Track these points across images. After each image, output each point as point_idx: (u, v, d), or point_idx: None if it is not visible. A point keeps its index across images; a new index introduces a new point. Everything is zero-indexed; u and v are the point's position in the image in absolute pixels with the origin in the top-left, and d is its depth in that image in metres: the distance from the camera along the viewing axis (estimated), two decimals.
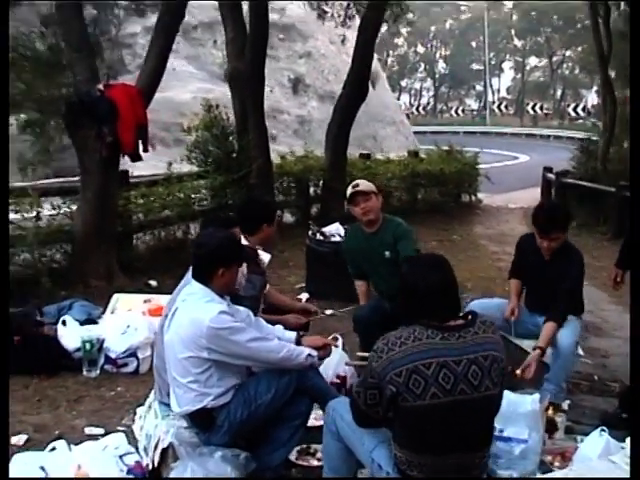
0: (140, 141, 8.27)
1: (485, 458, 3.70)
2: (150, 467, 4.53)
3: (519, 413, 4.56)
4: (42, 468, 4.48)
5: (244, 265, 5.17)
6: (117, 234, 9.04)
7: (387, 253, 6.03)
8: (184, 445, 4.36)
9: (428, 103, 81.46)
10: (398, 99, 68.08)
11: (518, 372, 5.30)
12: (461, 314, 3.68)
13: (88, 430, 5.37)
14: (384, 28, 61.53)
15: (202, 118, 11.46)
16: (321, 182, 12.74)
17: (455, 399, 3.44)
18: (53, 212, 8.74)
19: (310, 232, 8.99)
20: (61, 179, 12.32)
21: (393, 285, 3.98)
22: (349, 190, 6.06)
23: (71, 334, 6.62)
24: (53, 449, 4.67)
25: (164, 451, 4.48)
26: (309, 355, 4.39)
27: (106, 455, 4.56)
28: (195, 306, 4.24)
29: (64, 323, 6.73)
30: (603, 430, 4.50)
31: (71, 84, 8.10)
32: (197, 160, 11.26)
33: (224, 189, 10.63)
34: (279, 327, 4.72)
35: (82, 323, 6.92)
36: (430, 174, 15.03)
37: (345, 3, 13.53)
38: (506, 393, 4.64)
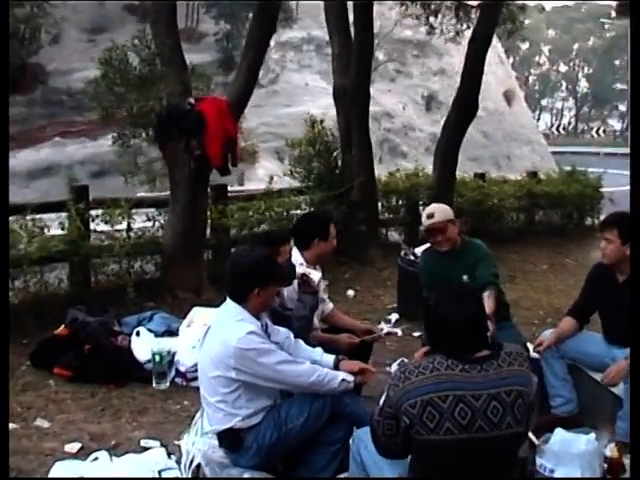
0: (229, 155, 8.25)
1: None
2: None
3: (572, 453, 4.27)
4: (81, 478, 4.49)
5: (295, 284, 5.08)
6: (209, 247, 9.07)
7: (465, 277, 5.80)
8: (212, 465, 4.28)
9: (569, 123, 79.51)
10: (539, 118, 66.84)
11: (602, 377, 5.11)
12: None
13: (144, 442, 5.32)
14: (525, 46, 60.47)
15: (306, 133, 11.42)
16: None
17: (471, 436, 3.21)
18: (148, 224, 8.83)
19: (402, 252, 8.80)
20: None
21: None
22: (424, 219, 5.91)
23: (144, 346, 6.64)
24: (95, 459, 4.68)
25: (197, 469, 4.42)
26: (343, 380, 4.24)
27: (144, 469, 4.53)
28: (226, 325, 4.17)
29: (138, 334, 6.77)
30: None
31: (162, 97, 8.18)
32: (300, 175, 11.21)
33: (324, 205, 10.53)
34: (319, 350, 4.57)
35: (161, 335, 6.95)
36: (548, 195, 14.51)
37: (455, 19, 13.23)
38: (559, 431, 4.39)
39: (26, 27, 26.12)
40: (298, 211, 10.44)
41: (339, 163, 11.16)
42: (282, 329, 4.51)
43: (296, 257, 5.30)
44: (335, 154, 11.17)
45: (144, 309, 7.74)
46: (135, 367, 6.57)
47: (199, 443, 4.39)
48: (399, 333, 7.98)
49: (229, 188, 10.37)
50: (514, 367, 3.35)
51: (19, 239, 7.45)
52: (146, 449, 5.12)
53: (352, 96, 11.14)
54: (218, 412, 4.18)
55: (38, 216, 7.96)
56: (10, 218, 7.52)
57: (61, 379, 6.44)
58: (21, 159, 23.80)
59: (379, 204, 12.06)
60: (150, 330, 6.98)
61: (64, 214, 8.19)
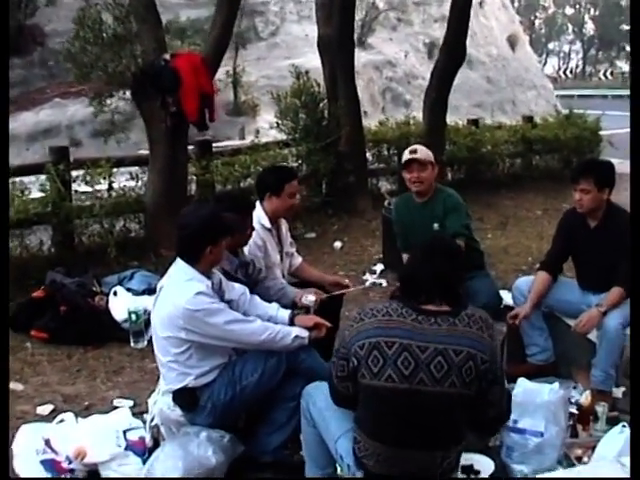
0: (207, 110, 8.17)
1: (450, 459, 3.36)
2: (150, 444, 4.47)
3: (535, 404, 4.23)
4: (46, 440, 4.49)
5: (258, 240, 5.07)
6: (190, 203, 9.02)
7: (436, 225, 5.78)
8: (168, 424, 4.28)
9: (577, 66, 78.32)
10: (545, 63, 66.01)
11: (573, 326, 5.06)
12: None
13: (117, 402, 5.35)
14: None
15: (291, 85, 11.31)
16: None
17: (411, 388, 3.18)
18: (131, 183, 8.80)
19: (386, 202, 8.72)
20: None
21: None
22: (405, 154, 5.82)
23: (121, 305, 6.65)
24: (61, 421, 4.67)
25: (158, 428, 4.43)
26: (297, 336, 4.22)
27: (108, 430, 4.51)
28: (175, 286, 4.14)
29: (115, 294, 6.76)
30: (624, 426, 4.11)
31: (138, 55, 8.10)
32: (286, 127, 11.10)
33: (310, 157, 10.46)
34: (274, 305, 4.53)
35: (140, 293, 6.95)
36: (544, 140, 14.34)
37: None
38: (522, 381, 4.37)
39: None
40: (283, 164, 10.37)
41: (326, 114, 11.04)
42: (237, 285, 4.48)
43: (257, 210, 5.25)
44: (322, 105, 11.05)
45: (128, 268, 7.71)
46: (113, 327, 6.59)
47: (160, 402, 4.38)
48: (384, 284, 8.02)
49: (229, 142, 10.30)
50: (471, 329, 3.25)
51: None
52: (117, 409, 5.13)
53: (336, 46, 10.97)
54: (171, 372, 4.18)
55: (18, 179, 7.93)
56: None
57: (38, 341, 6.47)
58: (21, 121, 23.66)
59: (369, 154, 11.97)
60: (130, 289, 7.00)
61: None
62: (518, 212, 11.93)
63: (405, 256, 6.09)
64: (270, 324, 4.23)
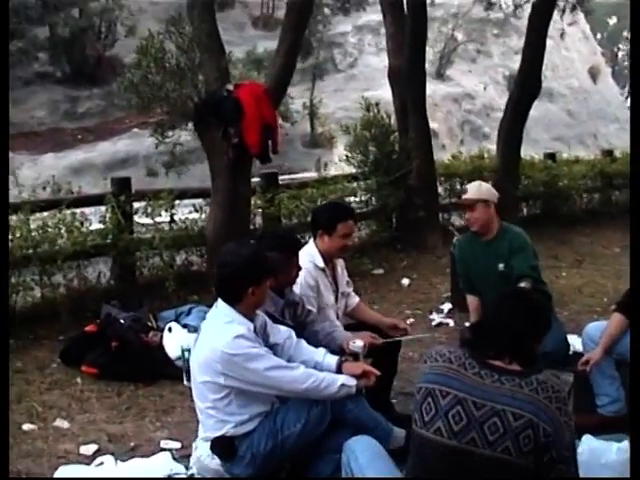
0: (269, 142, 7.99)
1: None
2: None
3: (600, 464, 3.89)
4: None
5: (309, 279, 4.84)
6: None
7: (501, 266, 5.54)
8: (205, 472, 4.06)
9: None
10: (628, 96, 64.88)
11: None
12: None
13: (164, 443, 5.12)
14: (613, 21, 58.76)
15: (361, 117, 11.13)
16: None
17: (460, 446, 2.89)
18: (194, 215, 8.67)
19: (455, 238, 8.41)
20: None
21: None
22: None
23: (175, 341, 6.46)
24: (100, 464, 4.51)
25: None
26: (343, 385, 3.94)
27: (147, 475, 4.33)
28: (214, 328, 3.95)
29: (170, 330, 6.59)
30: None
31: (200, 85, 7.98)
32: (356, 161, 10.90)
33: (380, 191, 10.22)
34: (321, 350, 4.26)
35: (197, 330, 6.76)
36: (623, 174, 13.88)
37: None
38: (587, 439, 4.04)
39: (102, 20, 26.41)
40: (352, 198, 10.17)
41: (396, 147, 10.81)
42: (283, 328, 4.25)
43: (311, 248, 5.02)
44: (392, 138, 10.83)
45: (187, 302, 7.54)
46: (166, 364, 6.39)
47: (200, 449, 4.16)
48: (450, 324, 7.70)
49: (303, 175, 10.11)
50: (538, 396, 2.91)
51: (55, 234, 7.34)
52: (164, 451, 4.93)
53: (407, 77, 10.74)
54: (210, 418, 3.96)
55: (79, 210, 7.86)
56: (45, 214, 7.47)
57: (89, 377, 6.28)
58: (99, 151, 24.07)
59: (441, 188, 11.69)
60: (186, 325, 6.80)
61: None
62: (595, 249, 11.51)
63: (469, 297, 5.85)
64: (314, 371, 3.97)
